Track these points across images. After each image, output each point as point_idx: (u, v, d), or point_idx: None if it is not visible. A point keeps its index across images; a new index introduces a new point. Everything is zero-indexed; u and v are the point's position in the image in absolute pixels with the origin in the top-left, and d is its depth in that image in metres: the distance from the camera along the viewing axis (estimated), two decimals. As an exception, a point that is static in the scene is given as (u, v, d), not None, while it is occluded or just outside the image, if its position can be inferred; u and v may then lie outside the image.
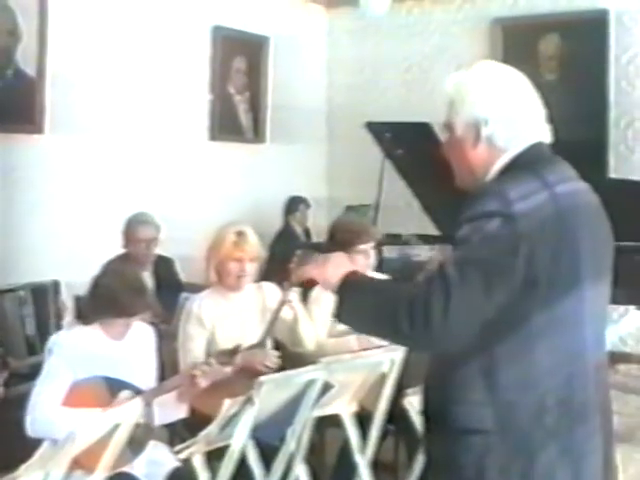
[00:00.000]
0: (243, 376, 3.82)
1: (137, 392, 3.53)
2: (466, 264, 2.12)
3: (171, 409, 3.67)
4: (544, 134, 2.33)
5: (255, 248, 4.25)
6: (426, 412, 2.34)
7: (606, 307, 2.37)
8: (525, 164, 2.25)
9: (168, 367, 4.16)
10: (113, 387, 3.53)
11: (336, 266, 2.36)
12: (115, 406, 3.34)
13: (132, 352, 3.74)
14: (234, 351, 3.75)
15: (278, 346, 4.25)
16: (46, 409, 3.44)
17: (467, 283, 2.10)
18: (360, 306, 2.28)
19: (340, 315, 2.30)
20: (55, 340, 3.67)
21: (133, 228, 5.65)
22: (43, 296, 5.61)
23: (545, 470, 2.17)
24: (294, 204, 8.05)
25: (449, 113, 2.34)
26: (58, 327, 5.36)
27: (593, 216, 2.31)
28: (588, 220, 2.27)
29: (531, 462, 2.16)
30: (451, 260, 2.15)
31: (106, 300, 3.65)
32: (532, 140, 2.29)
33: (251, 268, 4.21)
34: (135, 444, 3.43)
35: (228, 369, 3.83)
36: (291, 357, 4.21)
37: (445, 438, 2.25)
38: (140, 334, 3.83)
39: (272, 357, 4.06)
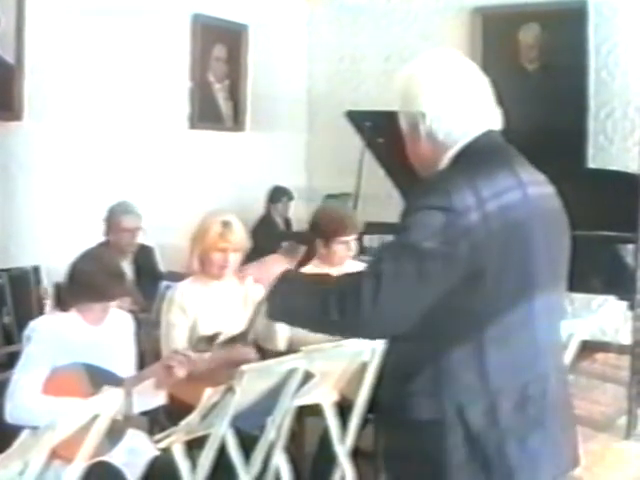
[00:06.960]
0: (224, 365, 3.82)
1: (117, 379, 3.52)
2: (403, 251, 2.12)
3: (149, 397, 3.65)
4: (493, 122, 2.32)
5: (240, 239, 4.22)
6: (382, 403, 2.37)
7: (561, 313, 2.39)
8: (480, 153, 2.24)
9: (148, 356, 4.15)
10: (93, 374, 3.52)
11: (272, 267, 2.39)
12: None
13: (110, 339, 3.72)
14: (213, 338, 3.74)
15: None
16: (26, 397, 3.43)
17: (400, 270, 2.10)
18: (292, 300, 2.31)
19: (271, 312, 2.36)
20: (33, 327, 3.64)
21: (117, 217, 5.63)
22: (22, 283, 5.54)
23: (502, 469, 2.20)
24: (277, 195, 8.06)
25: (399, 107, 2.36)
26: (39, 315, 5.31)
27: (556, 222, 2.33)
28: (550, 227, 2.28)
29: (487, 458, 2.19)
30: (388, 247, 2.16)
31: (83, 284, 3.63)
32: (480, 130, 2.27)
33: (234, 258, 4.18)
34: (113, 433, 3.41)
35: (207, 356, 3.82)
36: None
37: (402, 428, 2.27)
38: (118, 322, 3.81)
39: (251, 353, 4.05)
